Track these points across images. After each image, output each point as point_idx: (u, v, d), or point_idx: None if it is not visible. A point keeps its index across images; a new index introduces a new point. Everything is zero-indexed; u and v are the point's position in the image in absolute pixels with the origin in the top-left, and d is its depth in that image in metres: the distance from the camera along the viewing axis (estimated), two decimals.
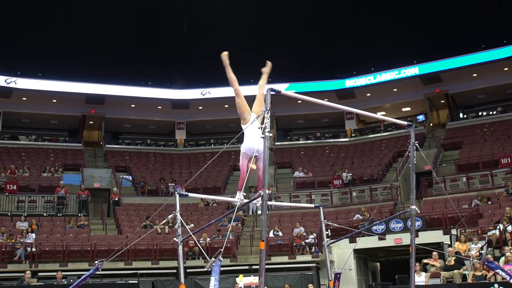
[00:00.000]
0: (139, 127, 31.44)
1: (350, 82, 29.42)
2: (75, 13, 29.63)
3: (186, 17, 32.34)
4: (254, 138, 6.53)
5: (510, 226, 15.62)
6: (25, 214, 21.16)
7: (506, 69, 26.67)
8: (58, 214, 22.14)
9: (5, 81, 27.24)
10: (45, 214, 21.99)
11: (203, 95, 29.94)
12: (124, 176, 26.63)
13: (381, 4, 30.23)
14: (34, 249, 18.37)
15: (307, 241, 19.23)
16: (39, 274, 17.50)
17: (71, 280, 14.44)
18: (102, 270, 9.01)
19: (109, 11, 30.25)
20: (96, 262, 8.78)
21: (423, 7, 29.31)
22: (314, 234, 19.17)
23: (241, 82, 30.61)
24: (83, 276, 9.32)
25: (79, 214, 22.13)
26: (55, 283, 15.35)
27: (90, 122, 30.43)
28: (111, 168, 26.59)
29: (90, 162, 27.80)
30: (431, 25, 29.29)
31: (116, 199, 23.74)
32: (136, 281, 16.60)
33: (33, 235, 19.27)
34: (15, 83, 27.39)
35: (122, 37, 30.19)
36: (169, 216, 8.95)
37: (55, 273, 16.43)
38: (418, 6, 29.50)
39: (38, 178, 23.89)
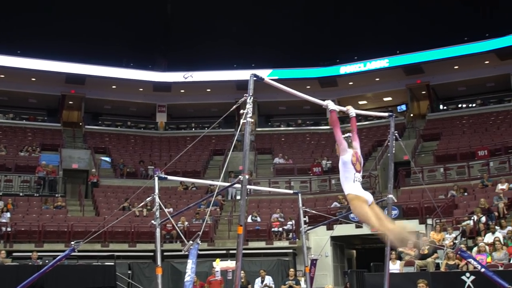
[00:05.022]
0: (120, 109, 31.12)
1: (332, 70, 29.47)
2: None
3: None
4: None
5: (484, 217, 15.92)
6: (1, 193, 20.91)
7: (487, 62, 26.93)
8: (35, 194, 21.90)
9: None
10: (21, 194, 21.75)
11: (186, 78, 29.70)
12: (103, 158, 26.42)
13: None
14: (9, 229, 18.19)
15: (285, 227, 19.34)
16: (14, 254, 17.32)
17: (47, 261, 14.33)
18: (79, 251, 8.97)
19: None
20: (72, 243, 8.72)
21: None
22: (293, 221, 19.29)
23: (224, 67, 30.74)
24: (59, 257, 9.25)
25: (57, 195, 21.93)
26: (30, 263, 15.20)
27: (70, 102, 30.02)
28: (90, 149, 26.35)
29: (69, 142, 27.48)
30: (414, 16, 29.43)
31: (95, 180, 23.58)
32: (113, 263, 16.56)
33: (8, 214, 19.08)
34: None
35: (104, 17, 29.71)
36: (147, 199, 8.93)
37: (30, 254, 16.28)
38: None
39: (15, 157, 23.59)
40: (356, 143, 5.67)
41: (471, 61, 26.76)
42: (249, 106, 5.67)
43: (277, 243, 19.17)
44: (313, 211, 14.05)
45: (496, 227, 15.01)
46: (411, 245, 5.23)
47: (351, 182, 5.42)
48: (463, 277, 12.05)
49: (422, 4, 29.18)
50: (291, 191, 12.16)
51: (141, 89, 30.27)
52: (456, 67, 27.61)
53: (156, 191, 8.47)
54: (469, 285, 11.86)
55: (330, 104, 5.97)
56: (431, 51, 27.45)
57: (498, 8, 27.62)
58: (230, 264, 15.16)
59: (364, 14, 30.27)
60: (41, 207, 20.78)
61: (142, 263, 17.96)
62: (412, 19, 29.36)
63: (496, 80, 27.67)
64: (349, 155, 5.47)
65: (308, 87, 28.51)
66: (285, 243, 19.09)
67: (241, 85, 26.34)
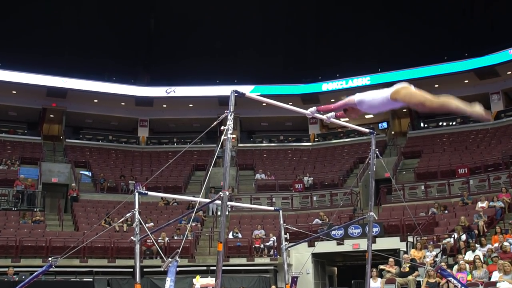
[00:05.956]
0: (101, 123, 30.91)
1: (315, 87, 29.66)
2: (38, 3, 28.93)
3: (153, 13, 32.02)
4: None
5: (464, 235, 16.03)
6: None
7: (466, 81, 27.38)
8: (13, 209, 21.51)
9: None
10: None
11: (168, 93, 29.67)
12: (84, 172, 26.13)
13: (348, 12, 30.65)
14: None
15: (267, 244, 19.25)
16: None
17: (23, 277, 14.05)
18: (57, 267, 8.79)
19: (75, 3, 29.68)
20: (49, 259, 8.56)
21: (389, 17, 29.85)
22: (274, 237, 19.21)
23: (207, 83, 30.70)
24: (36, 273, 9.06)
25: (35, 209, 21.58)
26: (5, 279, 14.90)
27: (51, 116, 29.73)
28: (71, 163, 26.05)
29: (49, 156, 27.14)
30: (396, 35, 29.83)
31: (74, 195, 23.27)
32: (91, 279, 16.29)
33: None
34: None
35: (87, 30, 29.63)
36: (127, 215, 8.82)
37: (6, 269, 15.95)
38: (384, 15, 30.05)
39: None
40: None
41: (451, 80, 27.16)
42: (230, 123, 5.66)
43: (258, 260, 19.05)
44: (294, 228, 14.03)
45: (476, 245, 15.12)
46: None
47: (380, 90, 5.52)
48: None
49: (404, 24, 29.60)
50: (272, 208, 12.09)
51: (123, 104, 30.12)
52: (436, 85, 27.93)
53: (136, 206, 8.37)
54: None
55: (312, 111, 6.20)
56: (412, 70, 27.80)
57: (476, 29, 28.14)
58: (211, 280, 14.97)
59: (347, 32, 30.60)
60: (19, 222, 20.41)
61: (121, 279, 17.71)
62: (393, 39, 29.75)
63: (476, 99, 27.26)
64: (357, 95, 5.61)
65: (290, 103, 28.32)
66: (266, 260, 18.98)
67: (223, 101, 26.36)
